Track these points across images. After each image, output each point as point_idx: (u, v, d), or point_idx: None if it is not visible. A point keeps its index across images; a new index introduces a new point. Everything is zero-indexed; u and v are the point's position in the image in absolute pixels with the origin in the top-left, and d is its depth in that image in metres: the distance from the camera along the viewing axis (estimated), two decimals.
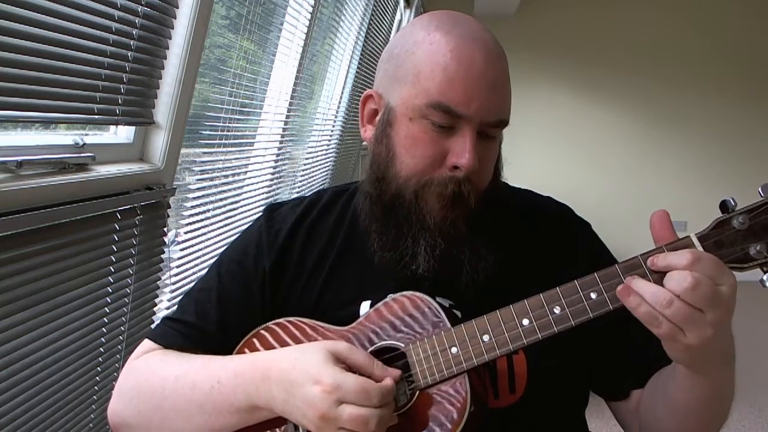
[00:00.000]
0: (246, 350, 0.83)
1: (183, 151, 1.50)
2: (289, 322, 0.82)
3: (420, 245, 0.78)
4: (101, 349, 1.30)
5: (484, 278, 0.78)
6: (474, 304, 0.76)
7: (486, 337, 0.71)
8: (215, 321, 0.86)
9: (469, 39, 0.76)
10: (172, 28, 1.33)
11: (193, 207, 1.76)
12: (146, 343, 0.88)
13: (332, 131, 3.35)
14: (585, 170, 5.54)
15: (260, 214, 0.94)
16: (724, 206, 0.67)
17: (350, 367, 0.70)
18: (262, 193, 2.35)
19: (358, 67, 3.36)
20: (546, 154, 5.51)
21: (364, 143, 0.89)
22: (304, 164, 2.93)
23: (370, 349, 0.76)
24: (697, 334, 0.63)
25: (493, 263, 0.79)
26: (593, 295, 0.68)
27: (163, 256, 1.51)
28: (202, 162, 1.82)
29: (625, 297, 0.65)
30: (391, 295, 0.78)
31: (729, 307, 0.63)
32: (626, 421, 0.86)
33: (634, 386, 0.83)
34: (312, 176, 3.06)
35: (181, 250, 1.69)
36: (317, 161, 3.15)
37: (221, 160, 1.94)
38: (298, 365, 0.69)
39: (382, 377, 0.69)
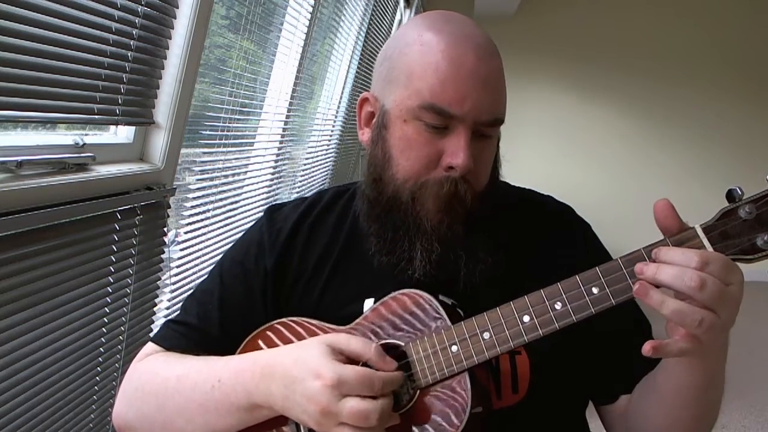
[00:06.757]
0: (249, 350, 0.82)
1: (183, 151, 1.50)
2: (287, 323, 0.82)
3: (416, 249, 0.78)
4: (101, 349, 1.30)
5: (481, 280, 0.78)
6: (477, 302, 0.76)
7: (486, 335, 0.70)
8: (217, 322, 0.86)
9: (461, 37, 0.76)
10: (172, 28, 1.33)
11: (193, 207, 1.76)
12: (149, 346, 0.88)
13: (332, 131, 3.35)
14: (585, 170, 5.53)
15: (262, 214, 0.94)
16: (730, 196, 0.65)
17: (349, 358, 0.70)
18: (262, 193, 2.35)
19: (358, 68, 3.36)
20: (546, 154, 5.51)
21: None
22: (304, 164, 2.92)
23: None
24: (709, 336, 0.62)
25: (491, 265, 0.78)
26: (595, 290, 0.67)
27: (163, 256, 1.50)
28: (202, 162, 1.81)
29: (643, 296, 0.62)
30: (392, 293, 0.77)
31: (738, 303, 0.62)
32: (613, 425, 0.86)
33: (623, 390, 0.83)
34: (312, 176, 3.06)
35: (181, 250, 1.69)
36: (317, 161, 3.14)
37: (221, 160, 1.94)
38: (299, 361, 0.70)
39: (378, 363, 0.70)
